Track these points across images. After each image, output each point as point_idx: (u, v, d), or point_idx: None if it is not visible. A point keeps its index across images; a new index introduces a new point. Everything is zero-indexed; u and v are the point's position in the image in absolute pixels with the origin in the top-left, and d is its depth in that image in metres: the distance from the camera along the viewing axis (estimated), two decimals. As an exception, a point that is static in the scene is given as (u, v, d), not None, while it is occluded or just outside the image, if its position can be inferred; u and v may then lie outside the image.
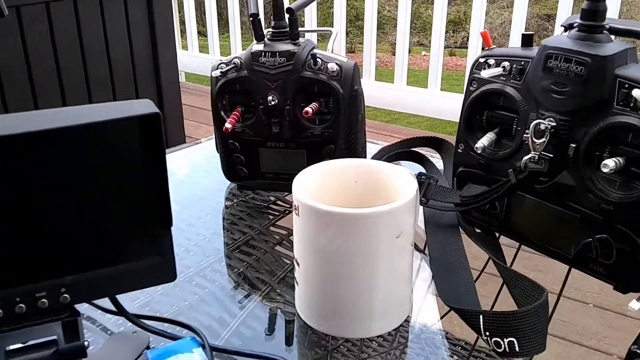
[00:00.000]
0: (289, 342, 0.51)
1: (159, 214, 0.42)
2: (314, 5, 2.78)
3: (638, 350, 0.41)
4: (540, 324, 0.44)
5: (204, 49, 3.34)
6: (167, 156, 0.90)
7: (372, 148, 0.81)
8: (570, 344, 0.54)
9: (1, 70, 1.58)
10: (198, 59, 3.23)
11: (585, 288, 0.54)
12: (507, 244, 0.60)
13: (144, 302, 0.56)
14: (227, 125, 0.67)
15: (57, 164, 0.38)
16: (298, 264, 0.49)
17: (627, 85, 0.49)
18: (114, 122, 0.39)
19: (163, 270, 0.44)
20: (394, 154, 0.77)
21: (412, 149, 0.79)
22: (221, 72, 0.67)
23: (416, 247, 0.63)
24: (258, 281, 0.59)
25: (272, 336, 0.52)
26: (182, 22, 3.54)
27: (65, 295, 0.42)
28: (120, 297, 0.50)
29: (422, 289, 0.57)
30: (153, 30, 1.93)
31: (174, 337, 0.48)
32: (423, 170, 0.76)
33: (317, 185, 0.51)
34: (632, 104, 0.49)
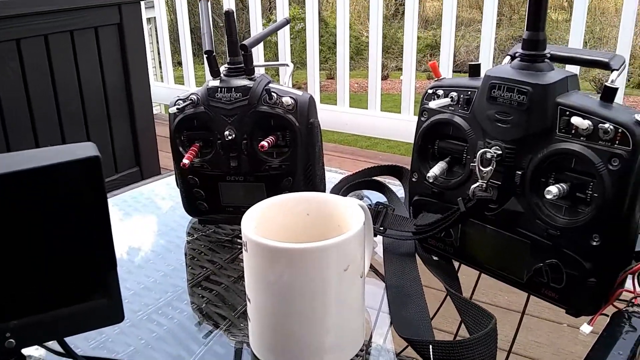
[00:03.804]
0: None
1: (103, 255, 0.42)
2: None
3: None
4: (487, 352, 0.44)
5: (181, 79, 3.36)
6: (129, 192, 0.89)
7: (335, 178, 0.82)
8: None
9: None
10: (174, 91, 3.24)
11: (557, 308, 0.55)
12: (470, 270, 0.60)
13: (100, 342, 0.55)
14: (185, 161, 0.67)
15: (-2, 209, 0.38)
16: (249, 300, 0.49)
17: (567, 113, 0.50)
18: (54, 166, 0.39)
19: (110, 311, 0.44)
20: (356, 183, 0.78)
21: (374, 177, 0.80)
22: (178, 108, 0.68)
23: (379, 276, 0.64)
24: (218, 317, 0.59)
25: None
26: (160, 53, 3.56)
27: (10, 340, 0.41)
28: (75, 338, 0.50)
29: (383, 318, 0.57)
30: (126, 63, 1.94)
31: (125, 379, 0.48)
32: (384, 199, 0.77)
33: (267, 220, 0.51)
34: (573, 131, 0.50)
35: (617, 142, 0.48)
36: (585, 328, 0.49)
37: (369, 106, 2.61)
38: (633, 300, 0.50)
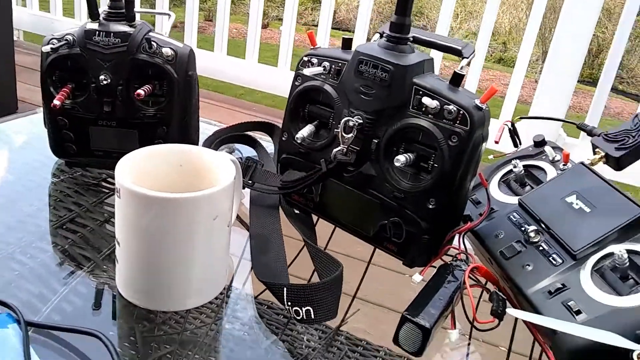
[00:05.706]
0: (115, 316, 0.53)
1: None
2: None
3: (408, 316, 0.50)
4: (332, 295, 0.51)
5: (46, 4, 3.10)
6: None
7: (209, 129, 0.84)
8: (394, 313, 0.61)
9: None
10: (38, 18, 2.99)
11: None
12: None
13: (-40, 278, 0.55)
14: (56, 102, 0.66)
15: None
16: (119, 244, 0.52)
17: (421, 92, 0.57)
18: None
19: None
20: (228, 137, 0.81)
21: (246, 132, 0.83)
22: (52, 47, 0.67)
23: (244, 225, 0.68)
24: (82, 258, 0.60)
25: (96, 311, 0.54)
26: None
27: None
28: None
29: (245, 264, 0.63)
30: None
31: (-12, 314, 0.48)
32: (255, 154, 0.81)
33: (140, 168, 0.53)
34: (423, 109, 0.57)
35: (458, 121, 0.55)
36: (417, 277, 0.57)
37: (247, 56, 2.60)
38: (457, 256, 0.59)
